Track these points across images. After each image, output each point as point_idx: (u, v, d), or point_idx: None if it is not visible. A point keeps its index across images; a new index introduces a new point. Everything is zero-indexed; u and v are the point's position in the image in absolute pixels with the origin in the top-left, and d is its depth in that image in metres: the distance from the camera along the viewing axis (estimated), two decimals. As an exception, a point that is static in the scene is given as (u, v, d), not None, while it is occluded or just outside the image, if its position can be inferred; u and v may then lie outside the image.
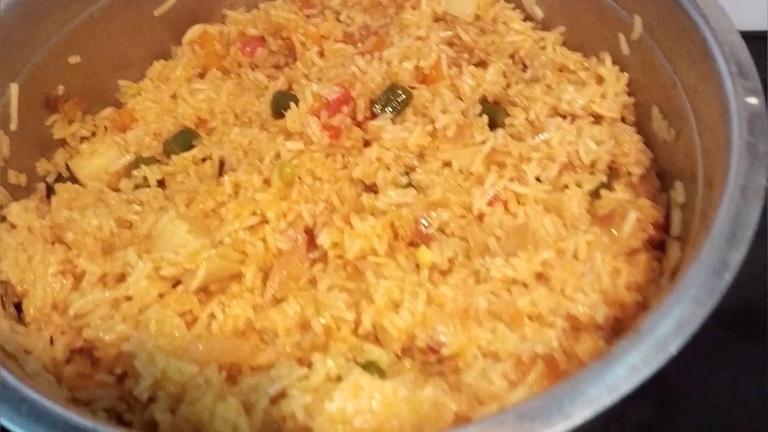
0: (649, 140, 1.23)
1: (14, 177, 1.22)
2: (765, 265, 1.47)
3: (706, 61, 1.05)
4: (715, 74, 1.02)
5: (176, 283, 1.09)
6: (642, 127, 1.25)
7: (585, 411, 0.73)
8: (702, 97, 1.07)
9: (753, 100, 0.96)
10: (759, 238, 1.60)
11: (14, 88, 1.21)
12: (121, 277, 1.09)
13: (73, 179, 1.31)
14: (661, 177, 1.21)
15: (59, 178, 1.32)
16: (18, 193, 1.23)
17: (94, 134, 1.38)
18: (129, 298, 1.04)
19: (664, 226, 1.13)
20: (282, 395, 0.89)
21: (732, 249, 0.84)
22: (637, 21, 1.22)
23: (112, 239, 1.13)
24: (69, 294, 1.06)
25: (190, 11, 1.47)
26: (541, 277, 1.06)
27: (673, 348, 0.76)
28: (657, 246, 1.12)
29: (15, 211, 1.15)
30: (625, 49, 1.26)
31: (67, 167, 1.33)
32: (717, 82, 1.01)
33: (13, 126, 1.21)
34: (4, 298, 1.08)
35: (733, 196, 0.88)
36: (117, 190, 1.29)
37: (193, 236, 1.07)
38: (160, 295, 1.06)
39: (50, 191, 1.29)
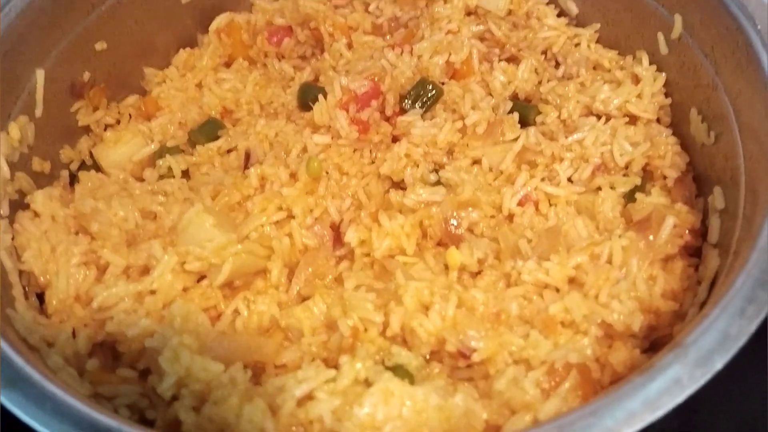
0: (685, 143, 1.20)
1: (38, 164, 1.21)
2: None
3: (751, 64, 1.01)
4: (762, 78, 0.99)
5: (201, 277, 1.07)
6: (678, 129, 1.22)
7: (627, 427, 0.70)
8: (746, 100, 1.03)
9: (801, 107, 0.93)
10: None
11: (40, 74, 1.19)
12: (145, 270, 1.07)
13: (97, 167, 1.29)
14: (697, 181, 1.18)
15: (82, 166, 1.30)
16: (41, 180, 1.21)
17: (118, 122, 1.36)
18: (153, 292, 1.03)
19: (700, 232, 1.10)
20: (309, 397, 0.87)
21: (781, 261, 0.80)
22: (678, 20, 1.18)
23: (137, 231, 1.12)
24: (92, 286, 1.05)
25: (218, -1, 1.44)
26: (573, 281, 1.03)
27: (719, 363, 0.74)
28: (692, 253, 1.09)
29: (39, 199, 1.13)
30: (663, 48, 1.23)
31: (91, 155, 1.31)
32: (763, 87, 0.98)
33: (39, 112, 1.20)
34: (26, 289, 1.06)
35: (780, 207, 0.85)
36: (141, 179, 1.27)
37: (219, 231, 1.05)
38: (185, 290, 1.05)
39: (73, 179, 1.28)
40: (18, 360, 0.80)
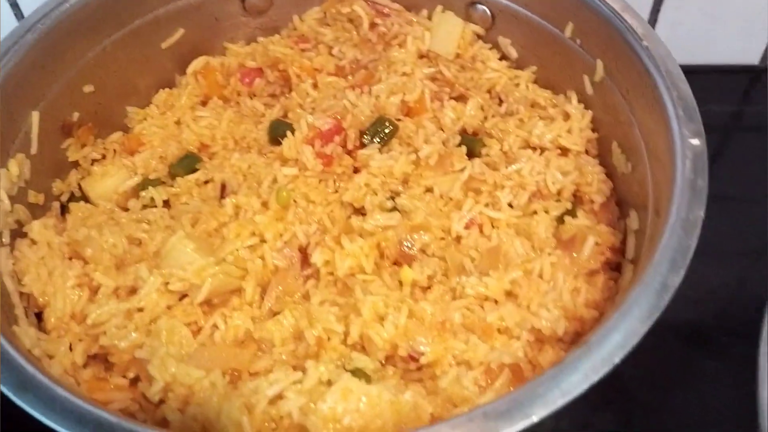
0: (609, 172, 1.36)
1: (33, 197, 1.32)
2: (722, 287, 1.62)
3: (657, 105, 1.17)
4: (665, 117, 1.14)
5: (183, 296, 1.20)
6: (603, 159, 1.38)
7: (542, 411, 0.85)
8: (654, 135, 1.20)
9: (696, 141, 1.10)
10: (714, 260, 1.73)
11: (35, 116, 1.31)
12: (133, 290, 1.19)
13: (85, 198, 1.42)
14: (620, 205, 1.34)
15: (72, 198, 1.43)
16: (36, 211, 1.33)
17: (104, 157, 1.48)
18: (140, 310, 1.15)
19: (621, 250, 1.26)
20: (279, 397, 1.00)
21: (672, 273, 0.96)
22: (599, 65, 1.35)
23: (124, 255, 1.24)
24: (86, 305, 1.17)
25: (194, 44, 1.58)
26: (510, 294, 1.18)
27: (617, 359, 0.89)
28: (615, 268, 1.25)
29: (36, 228, 1.25)
30: (589, 89, 1.40)
31: (80, 187, 1.43)
32: (666, 124, 1.13)
33: (33, 150, 1.32)
34: (26, 309, 1.18)
35: (675, 227, 1.01)
36: (125, 209, 1.39)
37: (199, 254, 1.18)
38: (168, 307, 1.17)
39: (64, 209, 1.40)
40: (29, 368, 0.93)
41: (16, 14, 1.79)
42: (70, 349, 1.14)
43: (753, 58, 2.09)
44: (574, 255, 1.20)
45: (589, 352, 0.90)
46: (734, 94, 2.10)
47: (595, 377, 0.88)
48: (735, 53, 2.09)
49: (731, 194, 1.85)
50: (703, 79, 2.11)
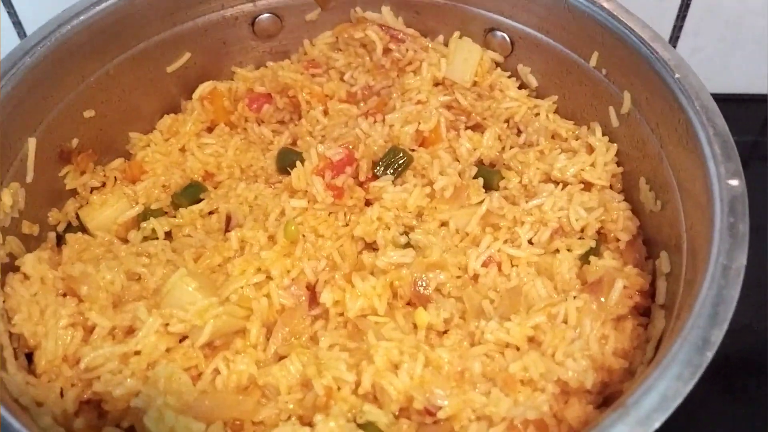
0: (636, 208, 1.29)
1: (28, 227, 1.26)
2: (747, 323, 1.54)
3: (691, 141, 1.10)
4: (700, 155, 1.07)
5: (183, 337, 1.13)
6: (629, 195, 1.31)
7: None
8: (687, 173, 1.13)
9: (734, 182, 1.02)
10: (742, 297, 1.65)
11: (32, 143, 1.25)
12: (130, 330, 1.12)
13: (83, 229, 1.35)
14: (647, 244, 1.26)
15: (69, 227, 1.36)
16: (30, 242, 1.26)
17: (104, 185, 1.41)
18: (138, 353, 1.08)
19: (649, 294, 1.18)
20: (286, 454, 0.93)
21: (714, 327, 0.89)
22: (627, 96, 1.28)
23: (122, 292, 1.17)
24: (79, 347, 1.10)
25: (201, 68, 1.51)
26: (533, 340, 1.10)
27: (657, 423, 0.81)
28: (642, 312, 1.18)
29: (29, 262, 1.18)
30: (614, 121, 1.33)
31: (77, 217, 1.36)
32: (701, 162, 1.06)
33: (29, 178, 1.25)
34: (16, 350, 1.11)
35: (715, 275, 0.93)
36: (125, 240, 1.33)
37: (201, 294, 1.11)
38: (167, 350, 1.10)
39: (59, 240, 1.33)
40: (16, 424, 0.85)
41: (18, 33, 1.74)
42: (61, 395, 1.06)
43: (771, 87, 2.03)
44: (602, 299, 1.12)
45: (626, 415, 0.82)
46: (753, 124, 2.04)
47: (632, 443, 0.80)
48: (753, 81, 2.03)
49: (751, 226, 1.79)
50: (721, 107, 2.07)
